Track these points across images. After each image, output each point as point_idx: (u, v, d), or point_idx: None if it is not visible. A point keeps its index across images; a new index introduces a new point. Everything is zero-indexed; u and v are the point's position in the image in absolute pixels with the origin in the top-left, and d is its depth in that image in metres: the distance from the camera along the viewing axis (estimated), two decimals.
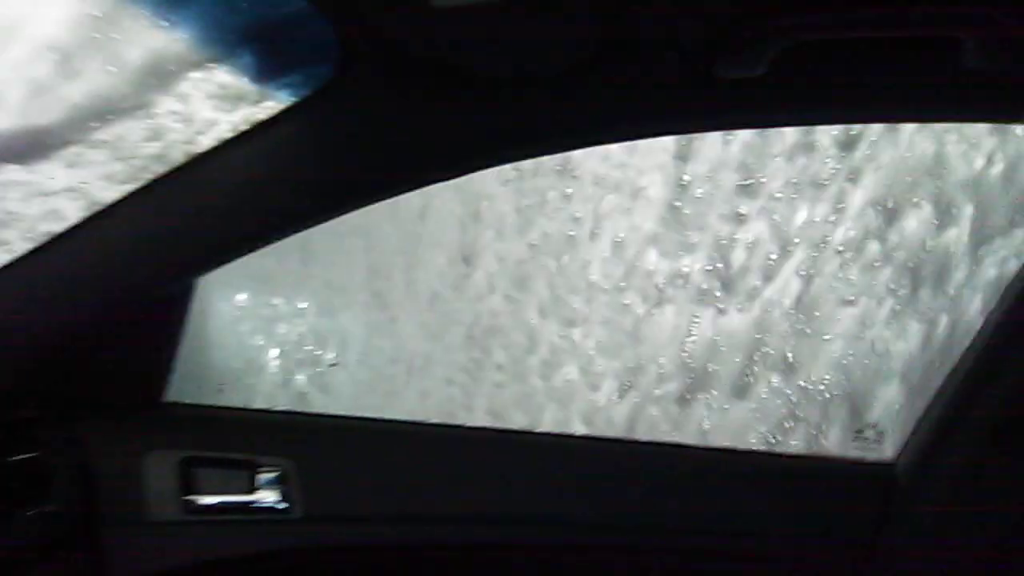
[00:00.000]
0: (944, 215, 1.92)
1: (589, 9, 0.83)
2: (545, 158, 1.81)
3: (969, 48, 0.84)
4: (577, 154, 1.89)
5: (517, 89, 0.96)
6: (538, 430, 1.79)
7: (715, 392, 1.93)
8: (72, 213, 1.11)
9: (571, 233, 1.96)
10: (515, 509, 1.25)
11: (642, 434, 1.89)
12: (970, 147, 1.86)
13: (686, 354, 1.94)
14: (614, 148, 1.98)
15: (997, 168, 1.86)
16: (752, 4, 0.81)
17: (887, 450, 1.50)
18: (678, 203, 1.96)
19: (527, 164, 1.84)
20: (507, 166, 1.75)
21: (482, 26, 0.84)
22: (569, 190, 1.94)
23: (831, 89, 0.97)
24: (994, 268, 1.89)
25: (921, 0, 0.79)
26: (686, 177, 1.91)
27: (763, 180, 1.91)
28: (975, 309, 1.88)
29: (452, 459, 1.26)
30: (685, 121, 1.06)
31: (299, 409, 1.66)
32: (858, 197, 1.96)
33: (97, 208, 1.07)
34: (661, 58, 0.92)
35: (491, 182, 1.88)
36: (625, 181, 1.97)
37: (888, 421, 2.01)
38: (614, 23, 0.86)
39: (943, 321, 2.00)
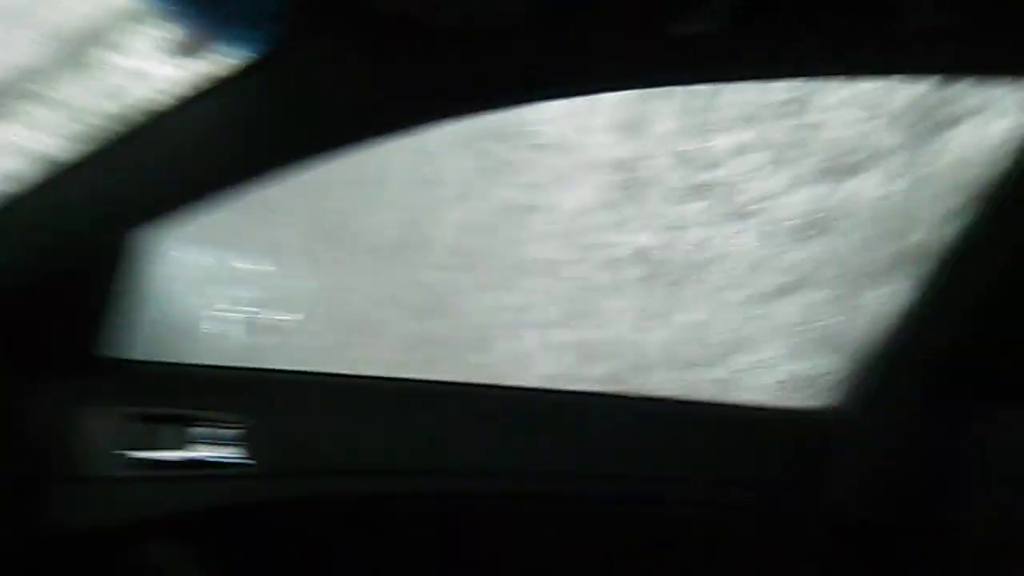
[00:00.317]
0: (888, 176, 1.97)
1: None
2: (500, 121, 1.80)
3: (922, 4, 0.87)
4: (531, 121, 1.88)
5: (472, 42, 0.95)
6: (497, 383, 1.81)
7: (664, 361, 1.96)
8: (16, 169, 1.08)
9: (523, 201, 1.96)
10: (477, 458, 1.27)
11: None
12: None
13: (637, 327, 1.97)
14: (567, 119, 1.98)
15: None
16: None
17: (819, 397, 1.54)
18: (631, 175, 1.97)
19: (482, 130, 1.83)
20: (462, 129, 1.74)
21: None
22: (521, 158, 1.93)
23: (787, 46, 0.98)
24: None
25: None
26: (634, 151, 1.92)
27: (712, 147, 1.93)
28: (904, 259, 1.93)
29: (413, 411, 1.26)
30: (641, 77, 1.07)
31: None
32: (807, 166, 2.00)
33: (43, 164, 1.04)
34: (617, 13, 0.93)
35: (444, 146, 1.87)
36: (579, 150, 1.97)
37: (820, 369, 2.05)
38: None
39: (875, 273, 2.05)
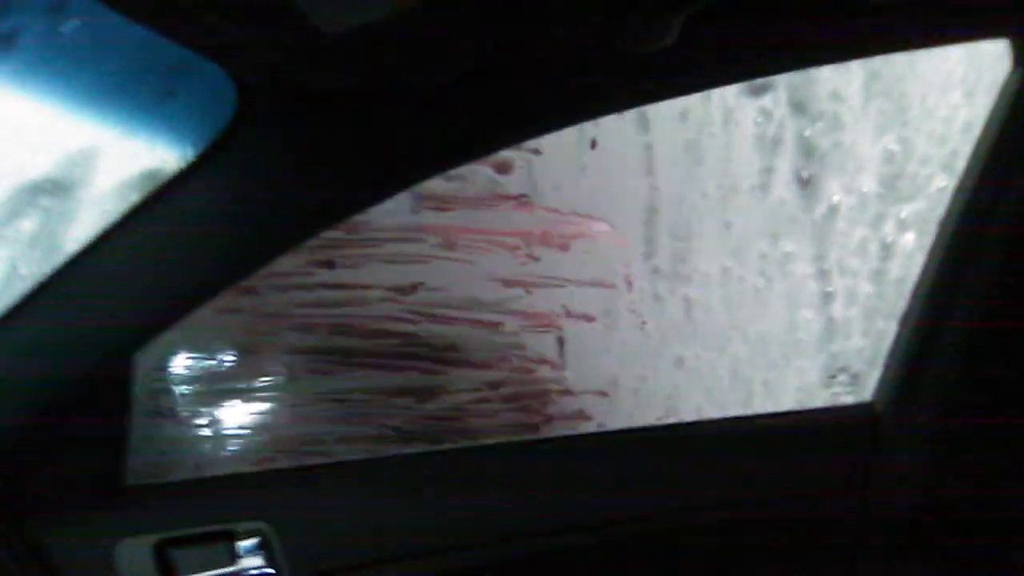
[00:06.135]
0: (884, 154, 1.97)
1: (482, 15, 0.82)
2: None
3: None
4: None
5: (422, 101, 0.93)
6: (514, 439, 1.76)
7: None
8: None
9: None
10: (509, 526, 1.23)
11: None
12: None
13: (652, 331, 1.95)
14: None
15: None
16: None
17: (865, 391, 1.50)
18: None
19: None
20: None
21: (377, 45, 0.82)
22: None
23: (742, 46, 0.97)
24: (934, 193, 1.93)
25: None
26: None
27: None
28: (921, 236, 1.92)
29: (429, 485, 1.22)
30: (604, 102, 1.05)
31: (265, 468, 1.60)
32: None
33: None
34: (567, 44, 0.91)
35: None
36: None
37: (860, 362, 2.01)
38: (513, 21, 0.84)
39: (896, 253, 2.03)
